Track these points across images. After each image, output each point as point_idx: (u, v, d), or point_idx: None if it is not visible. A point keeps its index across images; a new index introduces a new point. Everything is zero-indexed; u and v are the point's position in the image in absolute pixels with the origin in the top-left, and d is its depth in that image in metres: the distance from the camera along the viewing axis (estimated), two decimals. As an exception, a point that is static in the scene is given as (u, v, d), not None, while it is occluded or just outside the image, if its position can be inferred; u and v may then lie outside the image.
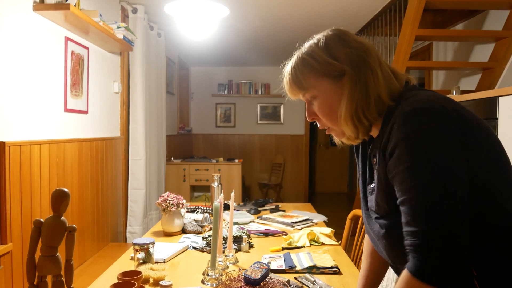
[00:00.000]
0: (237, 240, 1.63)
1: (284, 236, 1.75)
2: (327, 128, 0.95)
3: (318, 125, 0.96)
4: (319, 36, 0.92)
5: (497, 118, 1.99)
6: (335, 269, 1.34)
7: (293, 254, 1.48)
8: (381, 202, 0.85)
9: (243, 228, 1.80)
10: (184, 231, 1.85)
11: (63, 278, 1.04)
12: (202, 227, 1.88)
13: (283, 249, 1.60)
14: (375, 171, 0.89)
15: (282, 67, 0.97)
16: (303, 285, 1.22)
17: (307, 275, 1.29)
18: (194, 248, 1.61)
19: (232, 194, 1.53)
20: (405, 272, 0.73)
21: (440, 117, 0.74)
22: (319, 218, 2.11)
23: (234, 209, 2.22)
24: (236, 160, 5.05)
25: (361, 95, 0.85)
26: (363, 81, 0.85)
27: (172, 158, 4.93)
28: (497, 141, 0.80)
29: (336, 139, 1.01)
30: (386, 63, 0.90)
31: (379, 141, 0.83)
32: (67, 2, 2.09)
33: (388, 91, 0.85)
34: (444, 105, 0.76)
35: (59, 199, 1.03)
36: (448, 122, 0.74)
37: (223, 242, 1.52)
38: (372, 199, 0.91)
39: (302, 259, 1.42)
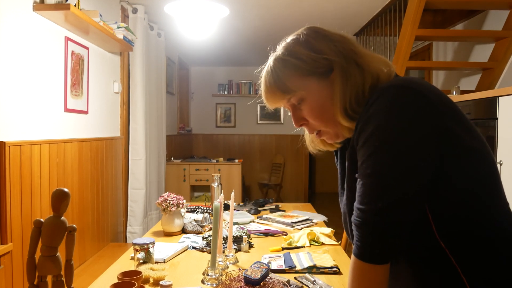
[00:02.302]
0: (237, 240, 1.63)
1: (284, 236, 1.75)
2: (317, 132, 0.88)
3: (306, 131, 0.90)
4: (294, 36, 0.86)
5: (497, 118, 2.00)
6: (335, 269, 1.34)
7: (293, 254, 1.48)
8: (353, 184, 0.81)
9: (243, 228, 1.80)
10: (184, 231, 1.85)
11: (63, 278, 1.04)
12: (202, 227, 1.88)
13: (283, 249, 1.60)
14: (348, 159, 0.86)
15: (257, 73, 0.90)
16: (303, 285, 1.22)
17: (307, 275, 1.29)
18: (194, 248, 1.61)
19: (232, 194, 1.53)
20: (352, 255, 0.76)
21: (420, 100, 0.70)
22: (319, 218, 2.11)
23: (234, 209, 2.22)
24: (236, 160, 5.05)
25: (353, 88, 0.79)
26: (353, 73, 0.80)
27: (172, 158, 4.93)
28: (486, 147, 0.76)
29: (311, 147, 0.97)
30: (373, 53, 0.86)
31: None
32: (67, 2, 2.09)
33: (378, 77, 0.81)
34: (427, 89, 0.72)
35: (59, 199, 1.03)
36: (426, 105, 0.70)
37: (223, 242, 1.52)
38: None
39: (302, 259, 1.42)
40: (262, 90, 0.88)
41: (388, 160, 0.70)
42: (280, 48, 0.87)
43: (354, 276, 0.75)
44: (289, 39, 0.87)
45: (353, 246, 0.76)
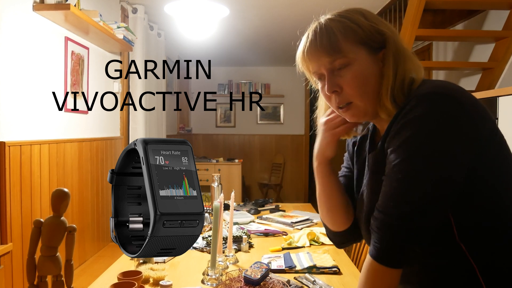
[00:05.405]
0: (237, 240, 1.63)
1: (284, 236, 1.75)
2: (346, 105, 0.82)
3: (336, 101, 0.82)
4: (348, 9, 0.84)
5: (497, 118, 2.00)
6: (335, 269, 1.34)
7: (293, 254, 1.48)
8: (375, 185, 0.81)
9: (243, 228, 1.80)
10: (184, 231, 1.84)
11: (63, 278, 1.04)
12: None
13: (283, 249, 1.60)
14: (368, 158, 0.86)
15: (300, 33, 0.87)
16: (303, 285, 1.22)
17: (307, 275, 1.29)
18: (194, 248, 1.61)
19: (232, 194, 1.53)
20: (367, 255, 0.75)
21: (457, 108, 0.70)
22: (319, 218, 2.11)
23: (234, 209, 2.22)
24: (236, 160, 5.05)
25: (402, 72, 0.79)
26: (403, 58, 0.79)
27: (172, 158, 4.92)
28: (506, 144, 0.77)
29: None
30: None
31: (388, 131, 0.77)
32: (67, 2, 2.09)
33: (415, 76, 0.80)
34: (464, 97, 0.72)
35: (59, 199, 1.03)
36: (465, 115, 0.70)
37: (223, 242, 1.52)
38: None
39: (302, 259, 1.42)
40: (304, 47, 0.83)
41: (421, 168, 0.70)
42: (333, 14, 0.84)
43: (368, 277, 0.74)
44: (342, 10, 0.84)
45: (370, 246, 0.75)
